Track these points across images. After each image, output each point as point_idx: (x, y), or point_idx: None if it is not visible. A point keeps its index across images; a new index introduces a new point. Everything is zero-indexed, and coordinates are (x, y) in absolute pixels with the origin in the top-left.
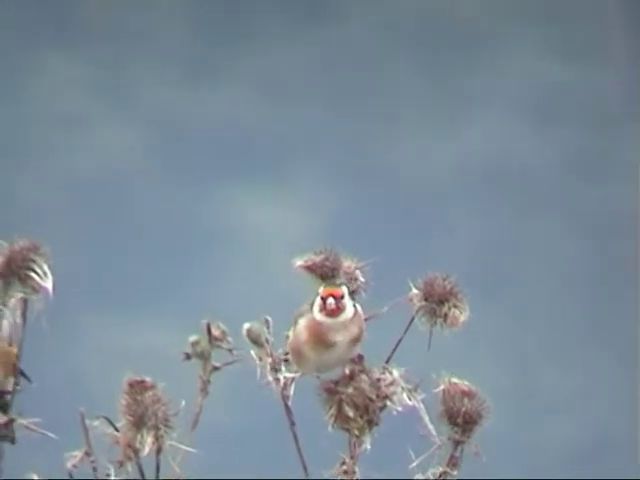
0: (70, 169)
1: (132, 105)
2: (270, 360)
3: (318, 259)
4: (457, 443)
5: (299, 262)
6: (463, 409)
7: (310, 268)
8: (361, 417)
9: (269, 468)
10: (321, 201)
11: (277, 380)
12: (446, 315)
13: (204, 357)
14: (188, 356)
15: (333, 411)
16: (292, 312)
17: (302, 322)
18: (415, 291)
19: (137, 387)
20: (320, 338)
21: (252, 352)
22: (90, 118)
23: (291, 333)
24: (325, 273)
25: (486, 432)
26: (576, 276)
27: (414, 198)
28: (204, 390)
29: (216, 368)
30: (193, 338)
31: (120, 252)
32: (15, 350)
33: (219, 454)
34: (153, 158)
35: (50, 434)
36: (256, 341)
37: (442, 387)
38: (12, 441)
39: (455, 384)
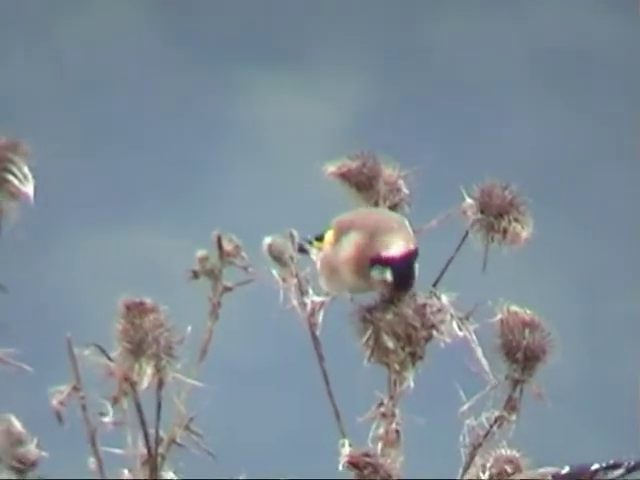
0: (58, 51)
1: None
2: (295, 281)
3: (354, 165)
4: (516, 382)
5: (331, 168)
6: (524, 342)
7: (344, 176)
8: (403, 349)
9: (291, 408)
10: (351, 93)
11: (303, 305)
12: (506, 230)
13: (214, 275)
14: (195, 274)
15: (369, 342)
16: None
17: (354, 238)
18: (469, 201)
19: (135, 309)
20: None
21: (273, 271)
22: None
23: (326, 242)
24: (362, 182)
25: (551, 370)
26: None
27: (464, 90)
28: (214, 314)
29: (228, 289)
30: (201, 253)
31: (113, 151)
32: None
33: (231, 390)
34: (155, 38)
35: (27, 367)
36: (279, 258)
37: (499, 316)
38: None
39: (515, 313)
